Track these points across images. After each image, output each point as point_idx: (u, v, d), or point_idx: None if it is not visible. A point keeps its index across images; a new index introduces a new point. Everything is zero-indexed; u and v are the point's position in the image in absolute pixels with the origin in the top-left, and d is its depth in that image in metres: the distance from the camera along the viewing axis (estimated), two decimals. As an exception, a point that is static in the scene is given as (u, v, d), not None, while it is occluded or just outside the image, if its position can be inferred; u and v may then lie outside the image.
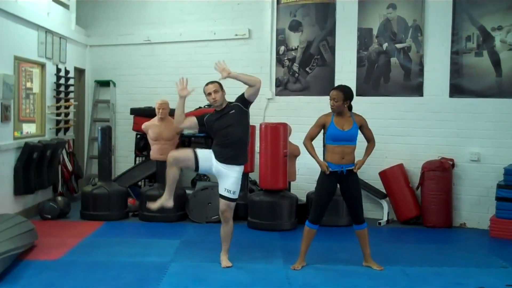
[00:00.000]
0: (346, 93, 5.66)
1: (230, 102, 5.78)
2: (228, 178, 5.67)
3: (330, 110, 5.73)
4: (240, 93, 5.75)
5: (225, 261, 5.81)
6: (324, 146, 6.58)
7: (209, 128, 5.76)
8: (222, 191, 5.72)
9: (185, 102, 5.76)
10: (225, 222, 5.80)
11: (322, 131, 5.81)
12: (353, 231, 5.88)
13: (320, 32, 8.89)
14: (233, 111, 5.68)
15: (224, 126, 5.64)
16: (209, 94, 5.68)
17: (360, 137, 5.77)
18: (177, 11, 9.81)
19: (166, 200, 5.80)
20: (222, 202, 5.73)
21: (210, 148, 5.83)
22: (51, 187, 8.73)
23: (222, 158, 5.65)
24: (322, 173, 5.71)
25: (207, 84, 5.73)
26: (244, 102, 5.69)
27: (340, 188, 5.77)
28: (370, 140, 5.81)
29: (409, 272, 5.69)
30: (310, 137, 5.78)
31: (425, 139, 8.21)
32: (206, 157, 5.68)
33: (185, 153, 5.74)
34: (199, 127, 5.80)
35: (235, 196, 5.74)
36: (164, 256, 6.05)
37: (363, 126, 5.75)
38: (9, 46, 7.49)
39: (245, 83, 5.63)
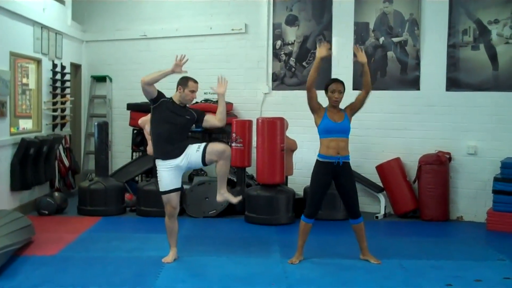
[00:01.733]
0: (344, 85, 5.73)
1: (188, 107, 5.81)
2: (189, 150, 5.63)
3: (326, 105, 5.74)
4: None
5: (224, 194, 5.80)
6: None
7: (158, 110, 5.62)
8: (199, 151, 5.59)
9: (167, 75, 5.66)
10: (225, 159, 5.63)
11: (315, 114, 5.75)
12: (350, 225, 5.87)
13: (317, 26, 8.88)
14: (189, 117, 5.69)
15: (175, 122, 5.60)
16: (192, 91, 5.66)
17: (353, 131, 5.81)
18: (173, 6, 9.79)
19: (174, 253, 5.84)
20: (212, 145, 5.64)
21: (201, 142, 5.82)
22: (48, 182, 8.72)
23: (172, 154, 5.61)
24: (317, 167, 5.70)
25: (195, 81, 5.70)
26: (197, 120, 5.75)
27: (335, 184, 5.75)
28: (362, 95, 5.77)
29: (406, 266, 5.69)
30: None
31: (422, 133, 8.21)
32: (171, 178, 5.65)
33: (173, 205, 5.72)
34: (154, 97, 5.62)
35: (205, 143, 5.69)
36: (161, 251, 6.04)
37: (353, 107, 5.75)
38: (5, 42, 7.47)
39: (221, 112, 5.71)
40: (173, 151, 5.61)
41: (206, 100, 9.04)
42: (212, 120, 5.78)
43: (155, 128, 5.68)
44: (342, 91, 5.66)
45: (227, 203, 7.73)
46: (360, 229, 5.79)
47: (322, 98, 5.79)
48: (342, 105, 5.78)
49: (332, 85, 5.70)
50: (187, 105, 5.77)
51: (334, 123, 5.61)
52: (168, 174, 5.63)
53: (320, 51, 5.67)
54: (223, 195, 5.77)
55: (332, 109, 5.69)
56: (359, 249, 5.88)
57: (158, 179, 5.72)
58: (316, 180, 5.73)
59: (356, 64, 8.44)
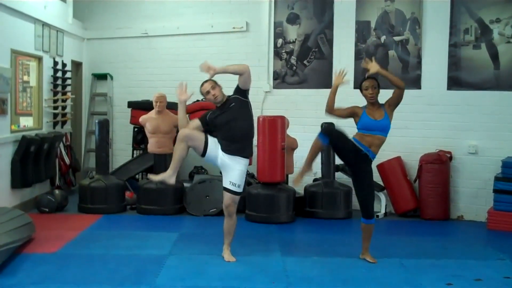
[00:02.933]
0: (377, 80, 5.68)
1: (229, 96, 5.75)
2: (233, 171, 5.63)
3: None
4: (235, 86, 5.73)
5: (228, 255, 5.79)
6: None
7: (213, 125, 5.70)
8: (226, 184, 5.67)
9: (186, 107, 5.74)
10: (228, 216, 5.76)
11: (355, 118, 5.67)
12: (360, 223, 5.83)
13: (318, 25, 8.87)
14: (233, 104, 5.64)
15: (226, 121, 5.60)
16: (208, 92, 5.62)
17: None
18: (175, 4, 9.78)
19: (169, 176, 5.65)
20: (227, 196, 5.68)
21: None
22: (48, 180, 8.71)
23: (228, 150, 5.61)
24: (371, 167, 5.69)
25: (202, 85, 5.68)
26: (241, 92, 5.67)
27: (354, 175, 5.72)
28: (396, 92, 5.70)
29: (406, 264, 5.70)
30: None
31: (423, 132, 8.21)
32: (214, 146, 5.63)
33: (198, 133, 5.62)
34: (204, 127, 5.72)
35: (240, 190, 5.69)
36: (162, 249, 6.05)
37: (391, 103, 5.67)
38: (6, 39, 7.46)
39: (233, 73, 5.60)
40: (228, 149, 5.62)
41: (197, 100, 8.89)
42: (240, 79, 5.63)
43: (220, 134, 5.72)
44: (375, 87, 5.59)
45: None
46: (369, 229, 5.77)
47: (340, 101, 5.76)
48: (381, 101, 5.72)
49: (364, 82, 5.65)
50: (223, 99, 5.69)
51: (373, 121, 5.55)
52: (215, 145, 5.66)
53: (337, 79, 5.68)
54: (224, 253, 5.85)
55: (371, 106, 5.63)
56: (359, 248, 5.88)
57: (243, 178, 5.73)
58: (345, 143, 5.59)
59: (358, 64, 8.48)
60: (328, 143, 5.50)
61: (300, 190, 8.10)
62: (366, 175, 5.67)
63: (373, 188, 5.81)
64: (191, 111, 8.51)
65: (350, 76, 8.26)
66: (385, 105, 5.66)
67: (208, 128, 5.75)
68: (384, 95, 5.69)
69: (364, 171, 5.65)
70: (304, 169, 5.61)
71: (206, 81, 5.68)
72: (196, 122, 5.77)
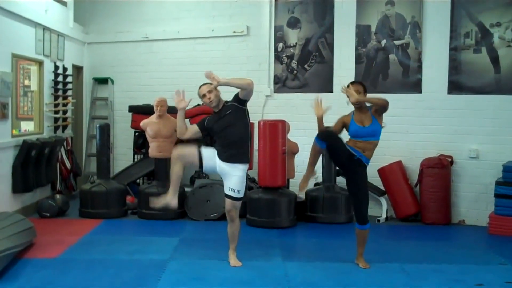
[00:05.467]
0: (363, 86, 5.70)
1: (226, 102, 5.74)
2: (232, 177, 5.65)
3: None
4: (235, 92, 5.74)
5: (234, 260, 5.80)
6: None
7: (210, 131, 5.75)
8: (226, 191, 5.71)
9: (184, 113, 5.76)
10: (231, 221, 5.78)
11: (346, 126, 5.68)
12: (354, 228, 5.85)
13: (319, 29, 8.88)
14: (230, 111, 5.64)
15: (223, 127, 5.61)
16: (204, 95, 5.64)
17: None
18: (175, 8, 9.80)
19: (171, 199, 5.74)
20: (228, 202, 5.72)
21: (212, 146, 5.82)
22: (49, 185, 8.72)
23: (224, 157, 5.63)
24: (366, 172, 5.70)
25: (200, 86, 5.70)
26: (239, 101, 5.67)
27: (348, 179, 5.72)
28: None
29: (408, 269, 5.69)
30: None
31: (424, 136, 8.21)
32: (210, 155, 5.65)
33: (190, 149, 5.67)
34: (202, 132, 5.78)
35: (240, 195, 5.71)
36: (163, 254, 6.04)
37: (375, 109, 5.62)
38: (7, 43, 7.47)
39: (237, 87, 5.60)
40: (225, 156, 5.62)
41: (197, 105, 8.87)
42: (241, 92, 5.60)
43: (217, 141, 5.77)
44: (360, 91, 5.59)
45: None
46: (363, 235, 5.77)
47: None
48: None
49: (351, 87, 5.62)
50: (220, 105, 5.68)
51: (362, 128, 5.55)
52: (212, 155, 5.67)
53: (317, 110, 5.65)
54: (230, 258, 5.86)
55: (358, 111, 5.63)
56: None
57: (243, 184, 5.74)
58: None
59: (359, 68, 8.49)
60: (326, 147, 5.51)
61: (301, 194, 8.08)
62: (359, 180, 5.67)
63: (367, 194, 5.79)
64: (192, 115, 8.53)
65: (351, 80, 8.22)
66: (371, 109, 5.65)
67: (206, 134, 5.80)
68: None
69: (358, 176, 5.65)
70: (307, 173, 5.64)
71: (204, 84, 5.69)
72: (195, 127, 5.80)
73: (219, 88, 5.60)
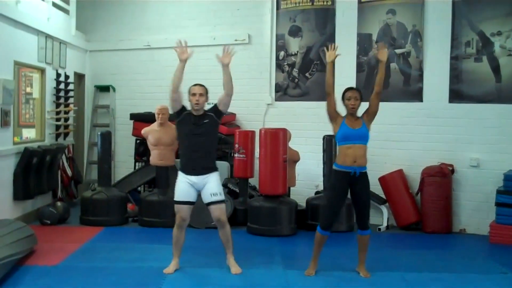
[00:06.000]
0: (361, 92, 5.75)
1: (205, 111, 5.78)
2: (209, 184, 5.67)
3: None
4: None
5: (235, 268, 5.77)
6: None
7: (181, 124, 5.71)
8: (209, 199, 5.69)
9: (184, 66, 5.74)
10: (222, 227, 5.79)
11: (333, 122, 5.71)
12: (356, 235, 5.86)
13: (320, 37, 8.91)
14: (208, 121, 5.69)
15: (196, 133, 5.63)
16: (194, 94, 5.66)
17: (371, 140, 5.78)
18: (177, 17, 9.83)
19: (177, 264, 5.86)
20: (214, 209, 5.70)
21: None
22: (50, 192, 8.72)
23: (195, 170, 5.64)
24: (334, 177, 5.70)
25: (194, 85, 5.74)
26: (217, 113, 5.74)
27: (350, 191, 5.72)
28: (374, 96, 5.73)
29: (408, 278, 5.68)
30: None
31: (425, 145, 8.21)
32: (186, 191, 5.68)
33: (182, 216, 5.74)
34: (179, 108, 5.72)
35: (223, 197, 5.75)
36: (164, 262, 6.02)
37: (369, 112, 5.71)
38: (9, 51, 7.50)
39: (227, 81, 5.73)
40: (196, 168, 5.65)
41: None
42: (222, 98, 5.73)
43: (181, 142, 5.80)
44: (358, 98, 5.65)
45: (230, 213, 7.75)
46: (365, 241, 5.77)
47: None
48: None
49: (347, 92, 5.71)
50: (201, 111, 5.72)
51: (352, 130, 5.59)
52: (184, 187, 5.68)
53: (329, 55, 5.72)
54: (230, 263, 5.84)
55: (350, 116, 5.68)
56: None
57: (175, 187, 5.74)
58: (333, 191, 5.73)
59: (360, 76, 8.50)
60: (329, 234, 5.72)
61: (302, 203, 8.09)
62: (363, 190, 5.69)
63: (370, 199, 5.84)
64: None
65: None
66: (363, 116, 5.72)
67: (177, 113, 5.70)
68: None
69: (362, 188, 5.67)
70: (314, 268, 5.80)
71: (200, 85, 5.74)
72: (182, 95, 5.75)
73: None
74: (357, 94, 5.69)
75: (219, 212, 5.71)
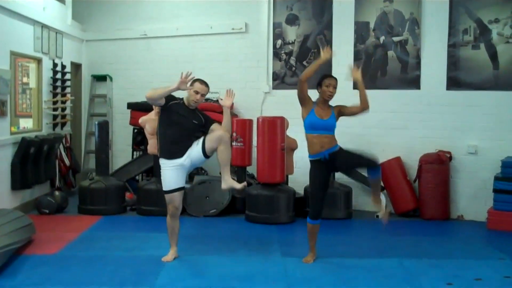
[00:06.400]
0: (336, 81, 5.69)
1: (199, 111, 5.78)
2: (191, 150, 5.60)
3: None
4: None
5: (234, 182, 5.68)
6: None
7: (168, 112, 5.62)
8: (196, 144, 5.59)
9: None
10: (227, 146, 5.56)
11: (303, 106, 5.68)
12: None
13: (317, 25, 8.88)
14: (197, 123, 5.67)
15: (183, 124, 5.59)
16: (197, 92, 5.61)
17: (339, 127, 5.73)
18: (174, 6, 9.79)
19: (175, 253, 5.85)
20: (214, 137, 5.50)
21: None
22: (48, 181, 8.73)
23: (178, 153, 5.60)
24: (311, 167, 5.68)
25: (201, 82, 5.66)
26: (203, 127, 5.73)
27: (334, 168, 5.76)
28: (358, 108, 5.70)
29: (406, 265, 5.69)
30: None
31: (423, 132, 8.21)
32: (175, 176, 5.64)
33: (175, 205, 5.72)
34: (162, 105, 5.61)
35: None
36: (162, 250, 6.02)
37: (342, 111, 5.69)
38: (5, 41, 7.47)
39: (226, 123, 5.74)
40: (178, 151, 5.60)
41: (206, 100, 8.99)
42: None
43: (163, 129, 5.67)
44: (335, 87, 5.62)
45: (228, 201, 7.77)
46: (378, 181, 5.78)
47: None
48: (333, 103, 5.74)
49: (326, 79, 5.64)
50: (197, 108, 5.74)
51: (319, 120, 5.56)
52: (172, 173, 5.62)
53: (324, 55, 5.62)
54: (227, 182, 5.65)
55: (322, 104, 5.64)
56: (359, 248, 5.90)
57: (162, 179, 5.70)
58: (313, 180, 5.70)
59: (357, 64, 8.48)
60: (320, 222, 5.75)
61: (300, 190, 8.10)
62: (343, 156, 5.63)
63: (353, 151, 5.70)
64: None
65: (349, 77, 8.27)
66: (335, 108, 5.68)
67: (162, 103, 5.59)
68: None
69: (340, 157, 5.61)
70: (313, 257, 5.83)
71: (204, 84, 5.68)
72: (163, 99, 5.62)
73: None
74: (335, 82, 5.64)
75: (218, 132, 5.55)
